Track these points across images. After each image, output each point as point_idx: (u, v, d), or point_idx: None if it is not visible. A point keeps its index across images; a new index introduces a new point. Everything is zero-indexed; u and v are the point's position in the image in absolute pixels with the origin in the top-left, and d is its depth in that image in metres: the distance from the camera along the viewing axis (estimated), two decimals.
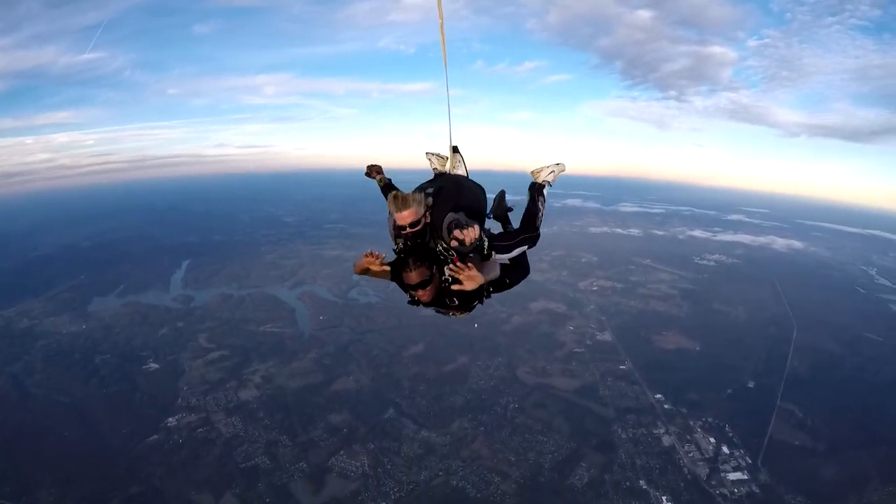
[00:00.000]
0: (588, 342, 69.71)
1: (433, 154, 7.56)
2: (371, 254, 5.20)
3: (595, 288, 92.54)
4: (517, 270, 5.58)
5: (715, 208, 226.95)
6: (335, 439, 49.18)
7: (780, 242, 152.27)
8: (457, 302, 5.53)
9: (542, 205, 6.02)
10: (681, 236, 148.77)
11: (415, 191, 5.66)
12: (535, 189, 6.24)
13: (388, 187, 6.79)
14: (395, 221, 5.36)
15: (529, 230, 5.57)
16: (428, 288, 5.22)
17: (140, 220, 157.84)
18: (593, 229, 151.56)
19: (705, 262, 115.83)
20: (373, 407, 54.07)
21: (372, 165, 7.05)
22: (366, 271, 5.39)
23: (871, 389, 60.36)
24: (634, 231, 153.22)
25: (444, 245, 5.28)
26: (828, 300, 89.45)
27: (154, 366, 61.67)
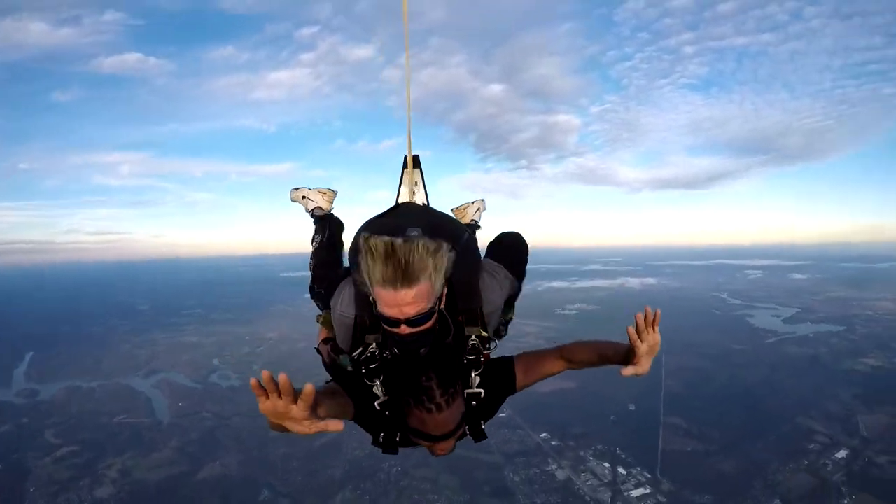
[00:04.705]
0: None
1: (311, 189, 4.34)
2: (270, 382, 1.71)
3: None
4: None
5: (571, 262, 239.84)
6: None
7: (634, 282, 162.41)
8: (483, 425, 2.96)
9: None
10: (540, 289, 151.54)
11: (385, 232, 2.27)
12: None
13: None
14: (371, 309, 2.53)
15: None
16: (459, 432, 2.67)
17: None
18: None
19: (567, 312, 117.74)
20: (246, 491, 47.67)
21: None
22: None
23: (747, 390, 63.18)
24: None
25: (484, 334, 2.85)
26: (688, 325, 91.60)
27: None
